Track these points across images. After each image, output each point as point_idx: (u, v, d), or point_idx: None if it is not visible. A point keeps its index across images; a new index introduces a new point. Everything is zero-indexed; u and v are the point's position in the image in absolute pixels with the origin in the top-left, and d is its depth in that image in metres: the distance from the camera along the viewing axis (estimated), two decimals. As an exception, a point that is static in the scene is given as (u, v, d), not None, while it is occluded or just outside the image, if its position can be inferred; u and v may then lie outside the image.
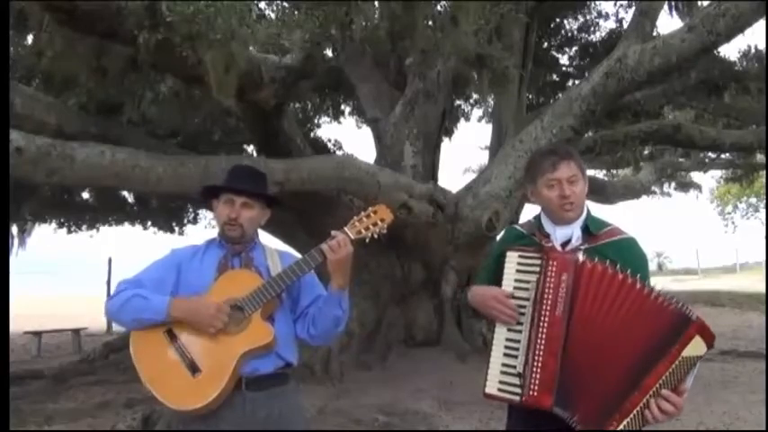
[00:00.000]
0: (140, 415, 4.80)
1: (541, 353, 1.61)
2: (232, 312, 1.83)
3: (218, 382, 1.77)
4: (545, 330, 1.62)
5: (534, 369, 1.60)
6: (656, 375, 1.54)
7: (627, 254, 1.76)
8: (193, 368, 1.79)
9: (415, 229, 7.05)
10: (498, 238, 2.03)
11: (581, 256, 1.67)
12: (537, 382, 1.59)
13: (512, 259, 1.74)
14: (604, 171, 13.01)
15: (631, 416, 1.54)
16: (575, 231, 1.80)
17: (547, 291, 1.64)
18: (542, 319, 1.63)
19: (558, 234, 1.81)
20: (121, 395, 5.65)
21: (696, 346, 1.55)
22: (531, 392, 1.60)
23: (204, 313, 1.80)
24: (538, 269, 1.67)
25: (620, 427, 1.54)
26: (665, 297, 1.60)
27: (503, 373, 1.67)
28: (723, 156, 11.62)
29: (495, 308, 1.71)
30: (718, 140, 8.88)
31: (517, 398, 1.63)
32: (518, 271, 1.73)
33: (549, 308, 1.62)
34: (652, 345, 1.56)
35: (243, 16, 4.34)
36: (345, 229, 1.89)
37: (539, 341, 1.62)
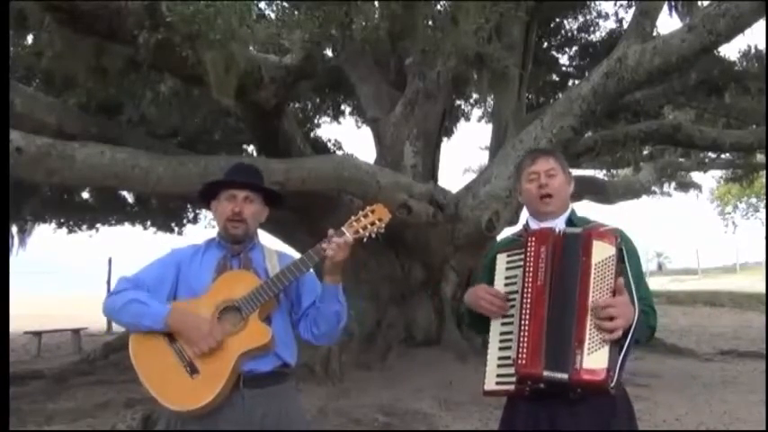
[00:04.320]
0: (140, 415, 4.81)
1: (527, 323, 1.62)
2: (230, 314, 1.83)
3: (216, 383, 1.77)
4: (529, 301, 1.64)
5: (522, 340, 1.61)
6: (583, 292, 1.59)
7: None
8: (192, 369, 1.79)
9: (415, 229, 7.05)
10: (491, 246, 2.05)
11: (558, 228, 1.75)
12: (525, 351, 1.59)
13: (501, 261, 1.80)
14: (604, 171, 13.00)
15: (587, 337, 1.55)
16: (558, 225, 1.82)
17: (528, 266, 1.67)
18: (526, 293, 1.65)
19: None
20: (121, 395, 5.64)
21: (602, 250, 1.62)
22: (520, 362, 1.59)
23: (197, 331, 1.80)
24: (523, 261, 1.71)
25: (585, 352, 1.54)
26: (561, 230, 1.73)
27: (500, 366, 1.69)
28: (723, 156, 11.61)
29: (484, 299, 1.75)
30: (718, 140, 8.87)
31: (513, 386, 1.63)
32: (507, 269, 1.78)
33: (531, 280, 1.66)
34: (566, 271, 1.63)
35: (243, 16, 4.34)
36: (343, 228, 1.89)
37: (524, 314, 1.63)
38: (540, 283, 1.64)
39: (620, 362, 1.58)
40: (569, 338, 1.57)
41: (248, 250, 2.00)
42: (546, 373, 1.56)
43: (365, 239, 1.91)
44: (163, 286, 1.92)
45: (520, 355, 1.60)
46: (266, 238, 8.05)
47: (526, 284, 1.66)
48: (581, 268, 1.61)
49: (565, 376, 1.54)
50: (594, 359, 1.54)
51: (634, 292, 1.63)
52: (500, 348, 1.70)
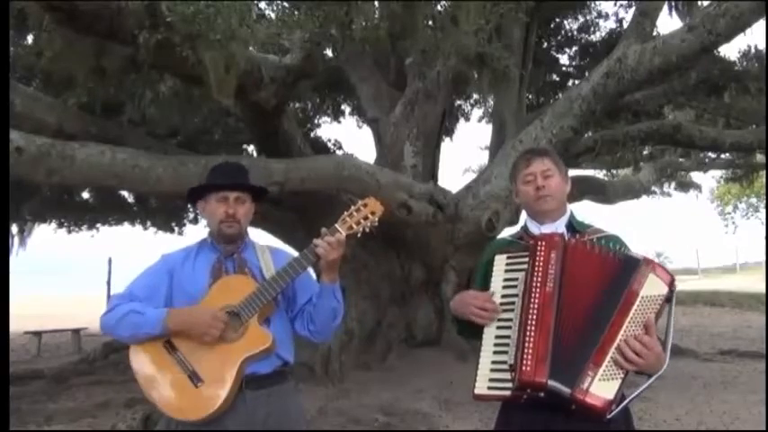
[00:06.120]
0: (140, 415, 4.82)
1: (533, 329, 1.56)
2: (229, 319, 1.81)
3: (221, 391, 1.76)
4: (536, 307, 1.58)
5: (526, 347, 1.55)
6: (619, 318, 1.54)
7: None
8: (195, 378, 1.78)
9: (415, 229, 7.05)
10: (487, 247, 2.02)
11: (567, 235, 1.73)
12: (529, 357, 1.53)
13: (500, 262, 1.75)
14: (604, 171, 13.00)
15: (605, 364, 1.52)
16: (559, 228, 1.80)
17: (537, 271, 1.62)
18: (533, 298, 1.59)
19: (543, 231, 1.81)
20: (121, 395, 5.65)
21: (654, 285, 1.58)
22: (524, 368, 1.53)
23: (200, 321, 1.78)
24: (526, 265, 1.66)
25: (598, 377, 1.50)
26: (617, 251, 1.68)
27: (493, 370, 1.63)
28: (723, 156, 11.60)
29: (473, 305, 1.70)
30: (718, 140, 8.87)
31: (508, 392, 1.59)
32: (506, 271, 1.72)
33: (539, 286, 1.60)
34: (609, 292, 1.58)
35: (243, 16, 4.33)
36: (336, 225, 1.86)
37: (530, 320, 1.57)
38: (548, 290, 1.58)
39: (626, 402, 1.56)
40: (586, 357, 1.52)
41: (241, 251, 1.99)
42: (551, 383, 1.51)
43: (359, 234, 1.88)
44: (157, 294, 1.90)
45: (523, 362, 1.53)
46: (267, 238, 8.05)
47: (533, 289, 1.60)
48: (625, 294, 1.56)
49: (567, 391, 1.50)
50: (603, 387, 1.50)
51: (669, 343, 1.59)
52: (495, 352, 1.65)
